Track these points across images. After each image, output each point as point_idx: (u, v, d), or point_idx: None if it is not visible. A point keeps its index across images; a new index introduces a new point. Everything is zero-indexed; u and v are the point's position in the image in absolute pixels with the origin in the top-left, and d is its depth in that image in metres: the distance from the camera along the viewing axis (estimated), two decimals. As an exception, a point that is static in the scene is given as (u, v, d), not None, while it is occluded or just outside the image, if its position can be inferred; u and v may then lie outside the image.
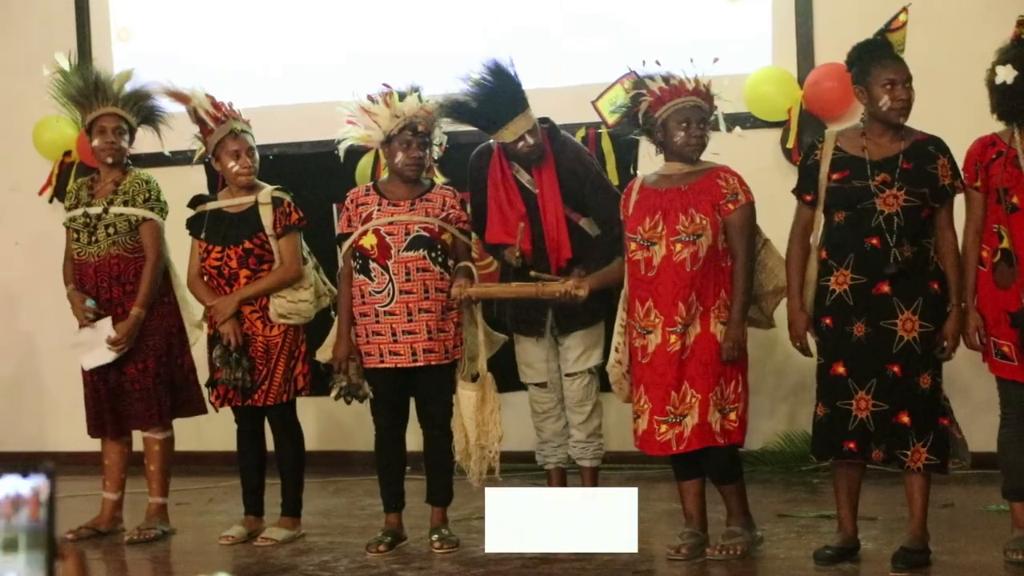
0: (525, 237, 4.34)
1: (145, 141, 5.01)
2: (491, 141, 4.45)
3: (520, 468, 5.08)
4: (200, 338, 4.83)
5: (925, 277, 3.83)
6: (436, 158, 4.50)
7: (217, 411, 4.64)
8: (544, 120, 4.42)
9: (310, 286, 4.59)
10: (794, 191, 4.03)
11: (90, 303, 4.68)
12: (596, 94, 4.40)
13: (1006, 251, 3.81)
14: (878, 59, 3.86)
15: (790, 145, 5.41)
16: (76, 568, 1.12)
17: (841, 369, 3.85)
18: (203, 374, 4.72)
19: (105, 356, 4.66)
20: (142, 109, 4.81)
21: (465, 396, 4.35)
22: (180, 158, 5.79)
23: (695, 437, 3.94)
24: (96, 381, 4.74)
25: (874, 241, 3.81)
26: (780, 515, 4.62)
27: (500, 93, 4.31)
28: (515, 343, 4.54)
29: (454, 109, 4.36)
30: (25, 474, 1.10)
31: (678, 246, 3.95)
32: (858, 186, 3.84)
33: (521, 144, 4.31)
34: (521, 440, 4.98)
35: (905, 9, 3.92)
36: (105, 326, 4.67)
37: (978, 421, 4.44)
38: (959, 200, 3.93)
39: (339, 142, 4.48)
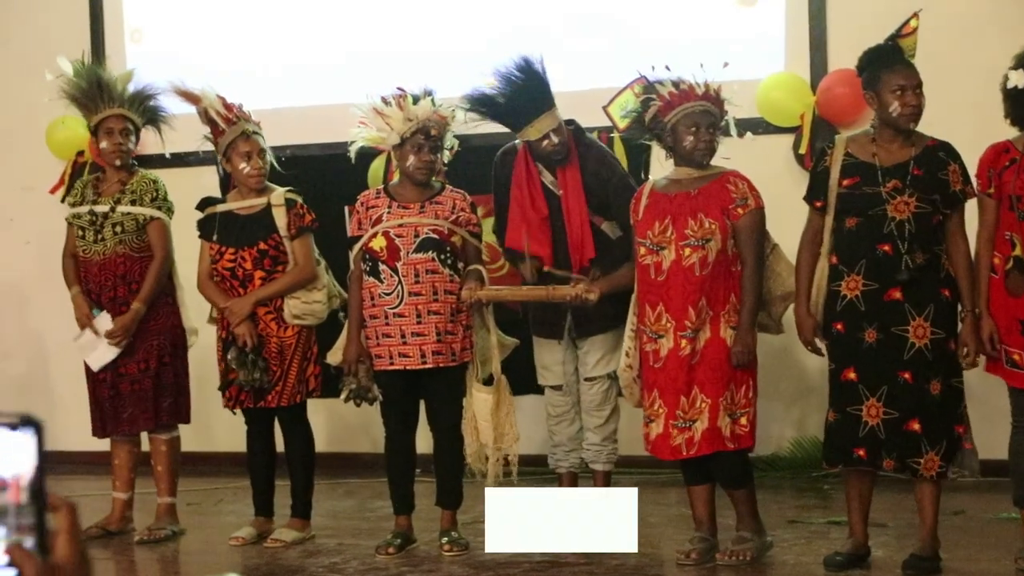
0: (533, 244, 4.33)
1: (153, 143, 5.02)
2: (516, 142, 4.45)
3: (531, 471, 5.07)
4: (196, 343, 4.85)
5: (937, 284, 3.83)
6: (446, 162, 4.50)
7: (234, 413, 4.62)
8: (570, 122, 4.41)
9: (323, 287, 4.60)
10: (805, 197, 4.03)
11: (96, 312, 4.68)
12: (605, 98, 4.40)
13: (1018, 259, 3.80)
14: (888, 65, 3.86)
15: (802, 151, 5.40)
16: (68, 520, 1.11)
17: (852, 375, 3.85)
18: (209, 376, 4.72)
19: (108, 353, 4.67)
20: (147, 110, 4.82)
21: (480, 399, 4.35)
22: (193, 159, 5.81)
23: (705, 442, 3.94)
24: (98, 381, 4.75)
25: (886, 247, 3.80)
26: (790, 521, 4.61)
27: (528, 90, 4.30)
28: (534, 345, 4.53)
29: (481, 103, 4.37)
30: (13, 427, 1.09)
31: (687, 250, 3.95)
32: (869, 192, 3.84)
33: (546, 143, 4.30)
34: (531, 443, 4.97)
35: (916, 14, 3.91)
36: (104, 322, 4.67)
37: (990, 429, 4.41)
38: (971, 206, 3.92)
39: (351, 144, 4.48)
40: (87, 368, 4.80)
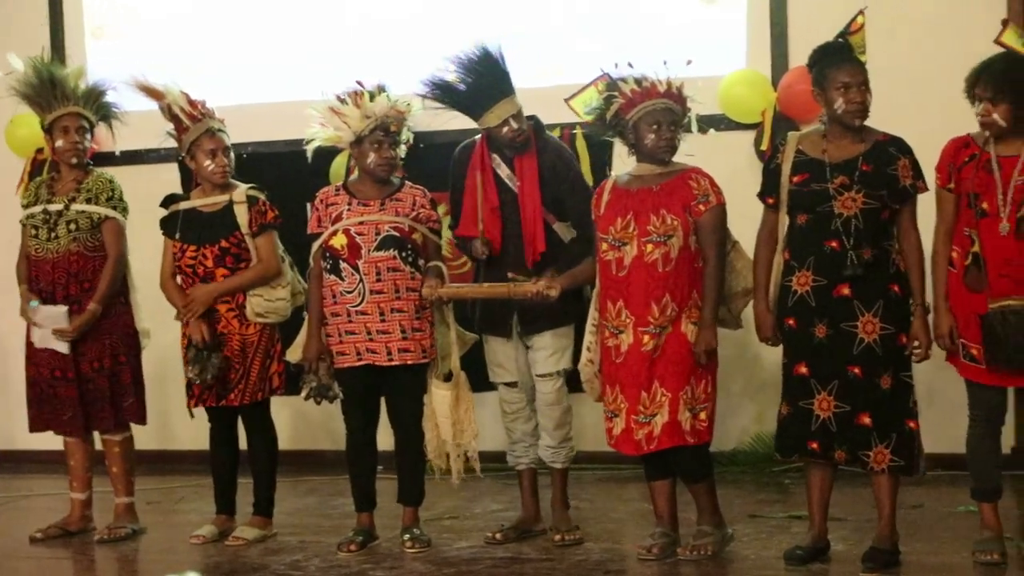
0: (488, 227, 4.34)
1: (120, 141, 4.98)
2: (475, 137, 4.45)
3: (492, 468, 5.08)
4: (149, 345, 4.83)
5: (886, 279, 3.85)
6: (403, 157, 4.49)
7: (192, 415, 4.59)
8: (531, 117, 4.43)
9: (287, 284, 4.59)
10: (758, 194, 4.06)
11: (32, 304, 4.66)
12: (568, 95, 4.40)
13: (976, 255, 3.83)
14: (834, 62, 3.88)
15: (764, 147, 5.42)
16: None
17: (803, 369, 3.88)
18: (170, 374, 4.69)
19: (56, 344, 4.64)
20: (100, 107, 4.79)
21: (439, 396, 4.35)
22: (151, 156, 5.78)
23: (665, 436, 3.95)
24: (59, 380, 4.70)
25: (833, 244, 3.83)
26: (751, 515, 4.64)
27: (487, 76, 4.32)
28: (484, 342, 4.53)
29: (440, 88, 4.37)
30: None
31: (649, 247, 3.97)
32: (817, 189, 3.86)
33: (506, 129, 4.31)
34: (493, 440, 4.97)
35: (862, 11, 3.95)
36: (58, 315, 4.63)
37: (947, 423, 4.46)
38: (928, 200, 3.95)
39: (307, 143, 4.47)
40: (32, 367, 4.75)
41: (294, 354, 4.47)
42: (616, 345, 4.02)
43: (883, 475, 3.85)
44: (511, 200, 4.37)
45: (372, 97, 4.33)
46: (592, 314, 4.15)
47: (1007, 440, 4.29)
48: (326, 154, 4.92)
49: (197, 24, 6.25)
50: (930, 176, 3.93)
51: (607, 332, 4.05)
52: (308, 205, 4.73)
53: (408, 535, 4.37)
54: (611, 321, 4.03)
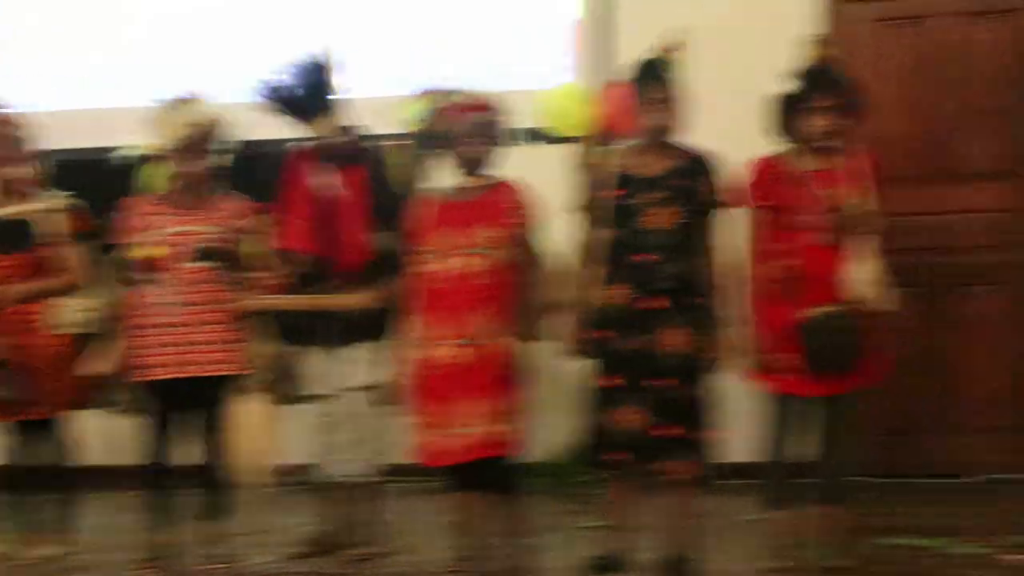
0: (302, 241, 4.31)
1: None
2: (301, 145, 4.44)
3: (299, 481, 5.01)
4: None
5: (695, 293, 3.98)
6: (223, 166, 4.44)
7: None
8: (356, 127, 4.44)
9: (96, 295, 4.48)
10: (576, 208, 4.13)
11: None
12: (390, 106, 4.42)
13: (792, 268, 3.97)
14: (645, 79, 4.02)
15: (583, 161, 5.50)
16: None
17: (611, 381, 3.97)
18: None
19: None
20: None
21: (248, 408, 4.31)
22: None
23: (475, 448, 3.98)
24: None
25: (644, 257, 3.94)
26: (553, 527, 4.71)
27: (319, 85, 4.33)
28: (297, 354, 4.49)
29: (273, 92, 4.36)
30: None
31: (467, 259, 4.00)
32: (630, 203, 3.97)
33: (335, 138, 4.32)
34: (300, 453, 4.91)
35: (680, 30, 4.07)
36: None
37: (743, 432, 4.59)
38: (739, 217, 4.08)
39: (121, 149, 4.39)
40: None
41: (100, 366, 4.36)
42: (430, 357, 4.03)
43: (681, 485, 3.96)
44: (334, 209, 4.35)
45: (190, 105, 4.28)
46: (406, 326, 4.15)
47: (801, 450, 4.43)
48: (140, 163, 4.82)
49: (8, 27, 6.07)
50: (742, 194, 4.07)
51: (422, 344, 4.06)
52: (121, 215, 4.65)
53: (210, 551, 4.30)
54: (425, 333, 4.04)
